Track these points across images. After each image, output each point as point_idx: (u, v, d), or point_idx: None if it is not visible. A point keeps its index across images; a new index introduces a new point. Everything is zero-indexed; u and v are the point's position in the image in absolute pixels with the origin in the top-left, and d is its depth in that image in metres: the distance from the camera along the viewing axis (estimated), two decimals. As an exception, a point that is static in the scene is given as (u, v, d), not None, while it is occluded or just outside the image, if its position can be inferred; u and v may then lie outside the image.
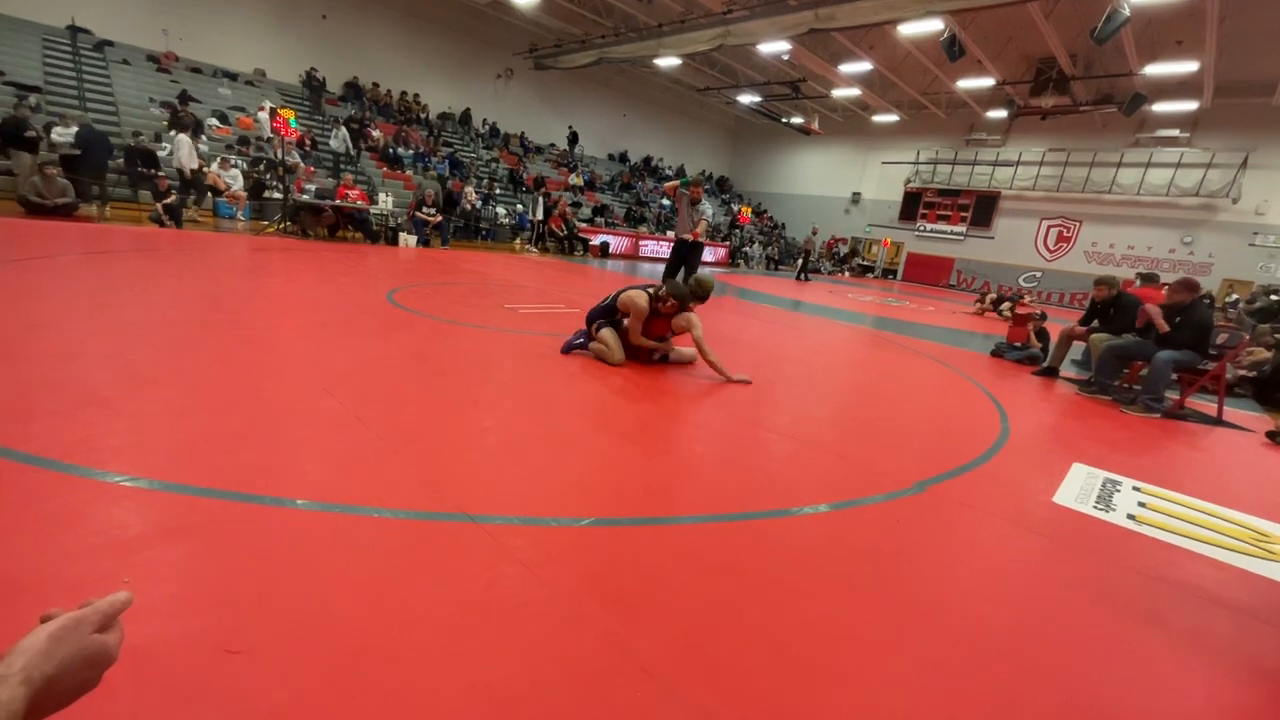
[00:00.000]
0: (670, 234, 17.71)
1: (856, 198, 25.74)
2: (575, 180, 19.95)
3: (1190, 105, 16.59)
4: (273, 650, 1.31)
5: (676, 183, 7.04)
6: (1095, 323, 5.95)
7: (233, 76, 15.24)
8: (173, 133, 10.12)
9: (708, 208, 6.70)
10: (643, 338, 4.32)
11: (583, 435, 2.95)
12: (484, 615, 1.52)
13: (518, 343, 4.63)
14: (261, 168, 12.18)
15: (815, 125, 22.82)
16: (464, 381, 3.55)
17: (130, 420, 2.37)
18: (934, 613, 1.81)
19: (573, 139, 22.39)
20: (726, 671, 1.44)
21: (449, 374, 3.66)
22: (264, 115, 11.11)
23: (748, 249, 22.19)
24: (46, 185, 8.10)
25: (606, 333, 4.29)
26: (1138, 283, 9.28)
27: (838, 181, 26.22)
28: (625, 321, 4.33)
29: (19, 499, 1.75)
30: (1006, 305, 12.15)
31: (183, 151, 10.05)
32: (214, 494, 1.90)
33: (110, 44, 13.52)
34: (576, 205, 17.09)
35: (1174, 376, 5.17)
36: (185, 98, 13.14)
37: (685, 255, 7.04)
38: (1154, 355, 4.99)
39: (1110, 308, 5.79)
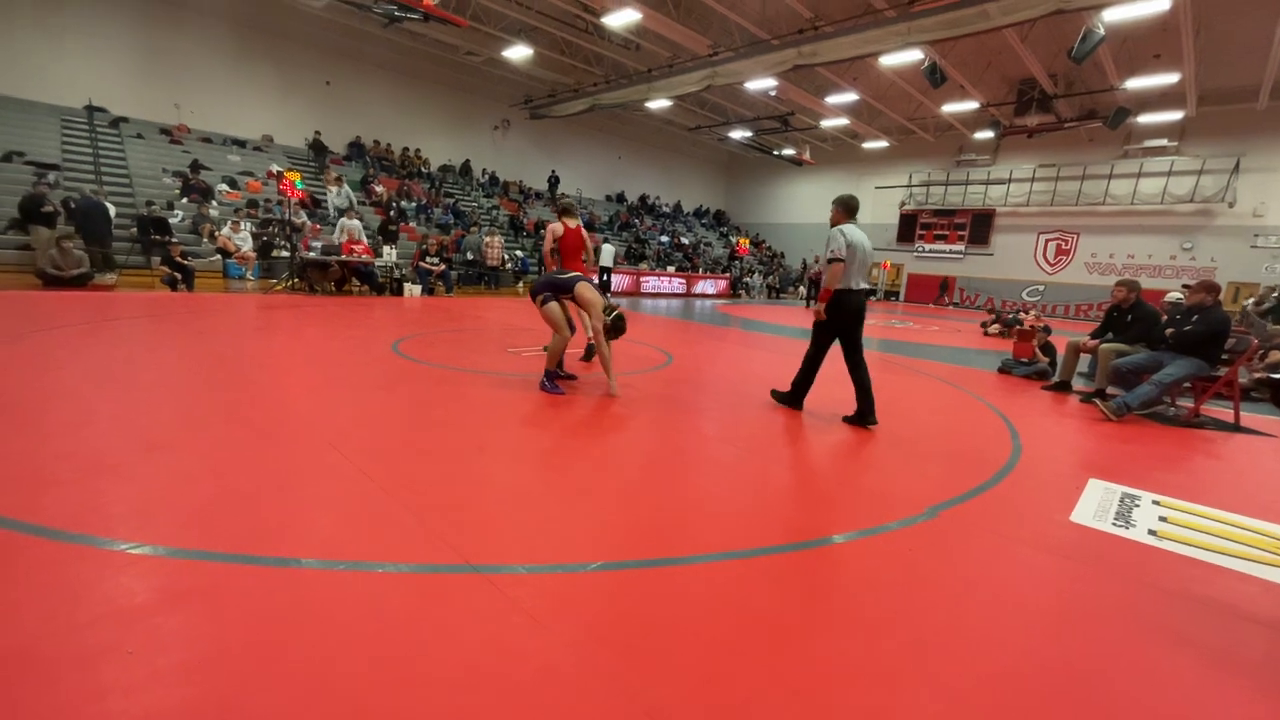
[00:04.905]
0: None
1: (853, 223, 26.02)
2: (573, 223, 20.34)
3: (1175, 115, 16.86)
4: (275, 718, 1.29)
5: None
6: (1108, 335, 5.79)
7: (241, 144, 15.85)
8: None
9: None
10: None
11: (588, 477, 2.93)
12: (489, 670, 1.49)
13: (521, 386, 4.66)
14: (271, 229, 12.55)
15: (807, 155, 23.32)
16: (468, 429, 3.56)
17: (138, 486, 2.39)
18: (954, 643, 1.76)
19: (554, 182, 22.97)
20: (740, 717, 1.40)
21: (453, 423, 3.68)
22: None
23: (748, 279, 22.39)
24: (63, 257, 8.37)
25: (554, 306, 4.52)
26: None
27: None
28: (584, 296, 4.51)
29: (28, 571, 1.76)
30: (1002, 327, 12.06)
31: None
32: (220, 557, 1.90)
33: (125, 120, 14.16)
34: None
35: (1186, 385, 5.10)
36: (196, 166, 13.67)
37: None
38: (1159, 370, 4.90)
39: (1128, 314, 5.66)
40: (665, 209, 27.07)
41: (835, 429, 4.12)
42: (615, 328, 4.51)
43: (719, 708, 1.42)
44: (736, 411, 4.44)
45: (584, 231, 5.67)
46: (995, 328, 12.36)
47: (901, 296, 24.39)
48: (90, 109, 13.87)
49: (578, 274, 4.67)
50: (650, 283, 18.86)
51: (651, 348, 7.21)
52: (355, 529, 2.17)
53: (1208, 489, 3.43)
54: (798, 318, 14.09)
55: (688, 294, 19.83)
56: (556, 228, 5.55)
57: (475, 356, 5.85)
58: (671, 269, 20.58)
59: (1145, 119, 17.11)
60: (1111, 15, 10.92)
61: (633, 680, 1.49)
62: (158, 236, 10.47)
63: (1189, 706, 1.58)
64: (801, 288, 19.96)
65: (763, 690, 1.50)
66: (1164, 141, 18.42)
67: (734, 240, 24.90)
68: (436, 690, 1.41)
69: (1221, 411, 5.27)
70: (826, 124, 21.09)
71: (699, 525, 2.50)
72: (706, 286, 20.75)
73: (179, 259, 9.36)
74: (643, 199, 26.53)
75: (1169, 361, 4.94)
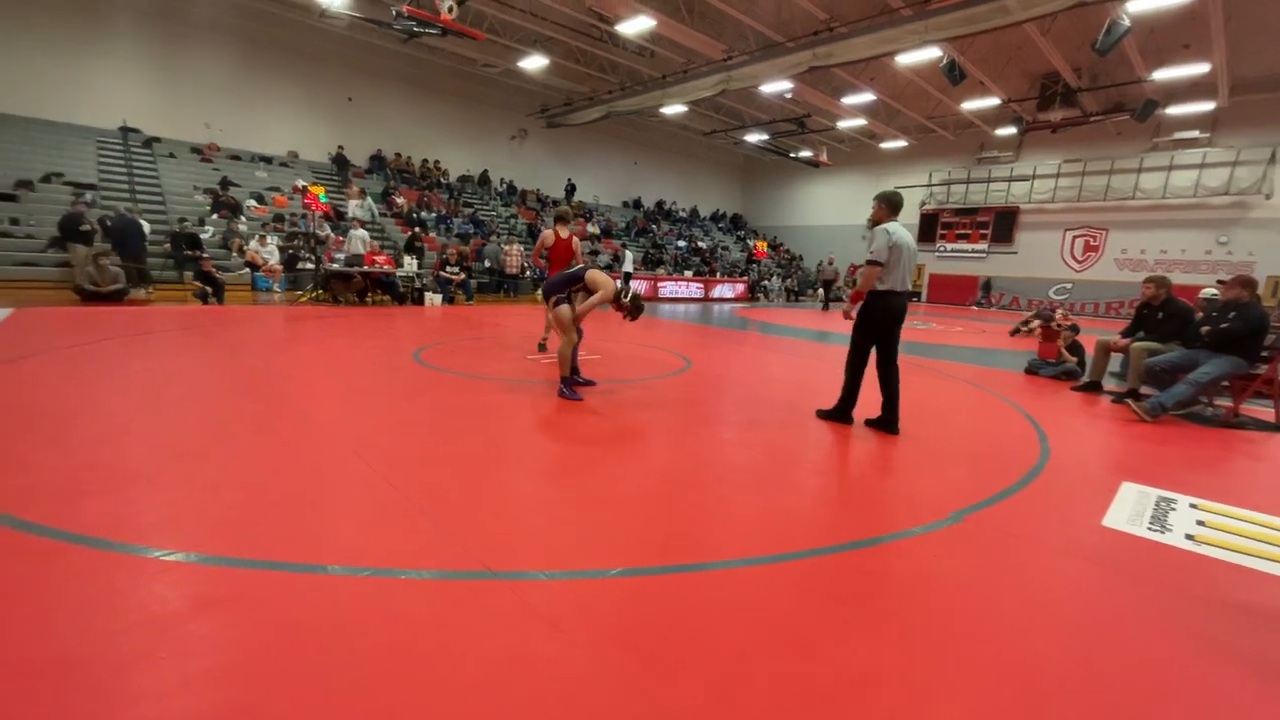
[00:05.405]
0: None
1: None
2: (592, 229, 20.49)
3: (1207, 106, 16.38)
4: (301, 722, 1.32)
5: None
6: (1140, 334, 5.62)
7: (268, 160, 16.31)
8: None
9: None
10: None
11: (607, 483, 2.94)
12: (510, 674, 1.50)
13: (541, 393, 4.68)
14: (296, 242, 12.86)
15: (824, 157, 23.14)
16: (488, 436, 3.60)
17: (169, 495, 2.46)
18: (980, 652, 1.71)
19: (570, 190, 23.16)
20: (761, 727, 1.38)
21: (474, 430, 3.72)
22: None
23: (767, 283, 22.26)
24: (100, 273, 8.68)
25: (565, 309, 4.50)
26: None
27: (851, 210, 26.31)
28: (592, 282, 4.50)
29: (66, 578, 1.82)
30: (1034, 327, 11.70)
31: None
32: (248, 564, 1.95)
33: (158, 140, 14.68)
34: (594, 254, 17.49)
35: (1224, 383, 4.93)
36: (225, 183, 14.09)
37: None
38: (1195, 369, 4.74)
39: (1159, 311, 5.50)
40: (682, 214, 27.09)
41: (858, 433, 4.06)
42: (635, 307, 4.55)
43: (738, 712, 1.41)
44: (755, 416, 4.41)
45: (576, 242, 5.84)
46: (1027, 326, 12.04)
47: (924, 297, 24.02)
48: (124, 130, 14.40)
49: (584, 265, 4.78)
50: (668, 288, 18.86)
51: (669, 353, 7.20)
52: (379, 535, 2.21)
53: (1248, 491, 3.30)
54: (817, 320, 13.95)
55: (706, 298, 19.78)
56: (548, 236, 5.60)
57: (495, 364, 5.91)
58: (689, 274, 20.57)
59: (1175, 110, 16.66)
60: (1136, 6, 10.68)
61: (653, 685, 1.48)
62: (190, 252, 10.80)
63: (1229, 717, 1.52)
64: (820, 290, 19.79)
65: (783, 695, 1.48)
66: (1195, 133, 17.88)
67: (751, 244, 24.81)
68: (458, 694, 1.42)
69: (1262, 411, 5.08)
70: (843, 125, 20.94)
71: (720, 530, 2.49)
72: (724, 290, 20.69)
73: (210, 273, 9.64)
74: (659, 204, 26.60)
75: (1205, 360, 4.78)
